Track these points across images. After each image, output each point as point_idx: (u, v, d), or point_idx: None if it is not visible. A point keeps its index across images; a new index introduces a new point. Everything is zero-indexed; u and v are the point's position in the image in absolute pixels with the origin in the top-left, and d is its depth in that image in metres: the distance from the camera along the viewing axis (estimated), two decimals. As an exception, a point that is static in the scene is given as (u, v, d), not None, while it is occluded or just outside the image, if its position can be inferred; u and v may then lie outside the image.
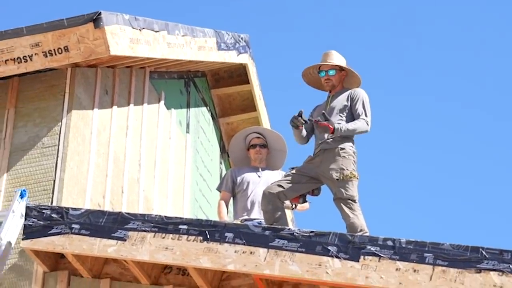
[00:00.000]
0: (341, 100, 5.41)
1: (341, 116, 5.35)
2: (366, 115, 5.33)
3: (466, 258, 4.26)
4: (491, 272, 4.19)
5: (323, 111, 5.33)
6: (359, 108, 5.35)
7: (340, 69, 5.51)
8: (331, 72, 5.48)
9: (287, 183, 5.27)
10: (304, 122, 5.35)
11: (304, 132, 5.49)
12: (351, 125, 5.29)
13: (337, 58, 5.51)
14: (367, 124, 5.33)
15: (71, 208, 4.95)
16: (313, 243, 4.54)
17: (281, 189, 5.24)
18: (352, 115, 5.37)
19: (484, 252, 4.24)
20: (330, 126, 5.21)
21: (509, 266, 4.18)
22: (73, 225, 4.83)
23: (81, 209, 4.93)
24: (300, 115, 5.33)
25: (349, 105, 5.39)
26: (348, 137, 5.31)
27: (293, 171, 5.35)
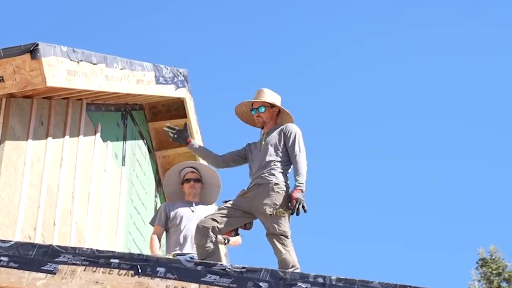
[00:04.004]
0: (275, 136, 5.50)
1: (277, 152, 5.42)
2: (300, 150, 5.41)
3: (394, 296, 4.33)
4: (419, 310, 4.27)
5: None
6: (294, 146, 5.41)
7: (271, 105, 5.60)
8: (261, 109, 5.58)
9: (221, 217, 5.29)
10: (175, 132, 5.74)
11: (208, 154, 5.70)
12: (301, 176, 5.29)
13: (269, 96, 5.59)
14: (305, 160, 5.40)
15: (0, 240, 4.87)
16: (244, 279, 4.56)
17: (214, 223, 5.26)
18: (286, 151, 5.44)
19: (412, 291, 4.32)
20: (295, 196, 5.21)
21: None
22: (2, 258, 4.75)
23: (10, 241, 4.85)
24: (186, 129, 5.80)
25: (282, 140, 5.46)
26: (283, 172, 5.38)
27: (227, 205, 5.38)
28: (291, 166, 5.46)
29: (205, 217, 5.36)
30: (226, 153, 5.68)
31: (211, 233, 5.24)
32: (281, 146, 5.45)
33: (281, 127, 5.54)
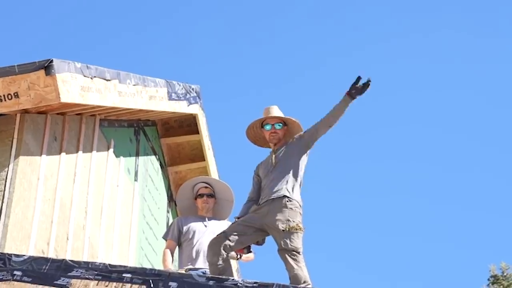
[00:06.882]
0: (285, 152, 5.45)
1: (289, 168, 5.39)
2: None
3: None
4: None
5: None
6: (310, 127, 5.41)
7: (284, 123, 5.58)
8: (279, 126, 5.54)
9: (233, 234, 5.30)
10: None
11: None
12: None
13: (281, 112, 5.57)
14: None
15: (14, 254, 4.90)
16: (256, 294, 4.57)
17: (227, 241, 5.26)
18: (298, 165, 5.41)
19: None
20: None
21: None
22: (15, 272, 4.78)
23: (24, 255, 4.88)
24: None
25: (294, 152, 5.41)
26: (295, 188, 5.36)
27: (239, 221, 5.38)
28: (301, 182, 5.44)
29: (217, 235, 5.37)
30: (251, 196, 5.55)
31: (222, 251, 5.25)
32: (292, 160, 5.42)
33: (289, 141, 5.52)
